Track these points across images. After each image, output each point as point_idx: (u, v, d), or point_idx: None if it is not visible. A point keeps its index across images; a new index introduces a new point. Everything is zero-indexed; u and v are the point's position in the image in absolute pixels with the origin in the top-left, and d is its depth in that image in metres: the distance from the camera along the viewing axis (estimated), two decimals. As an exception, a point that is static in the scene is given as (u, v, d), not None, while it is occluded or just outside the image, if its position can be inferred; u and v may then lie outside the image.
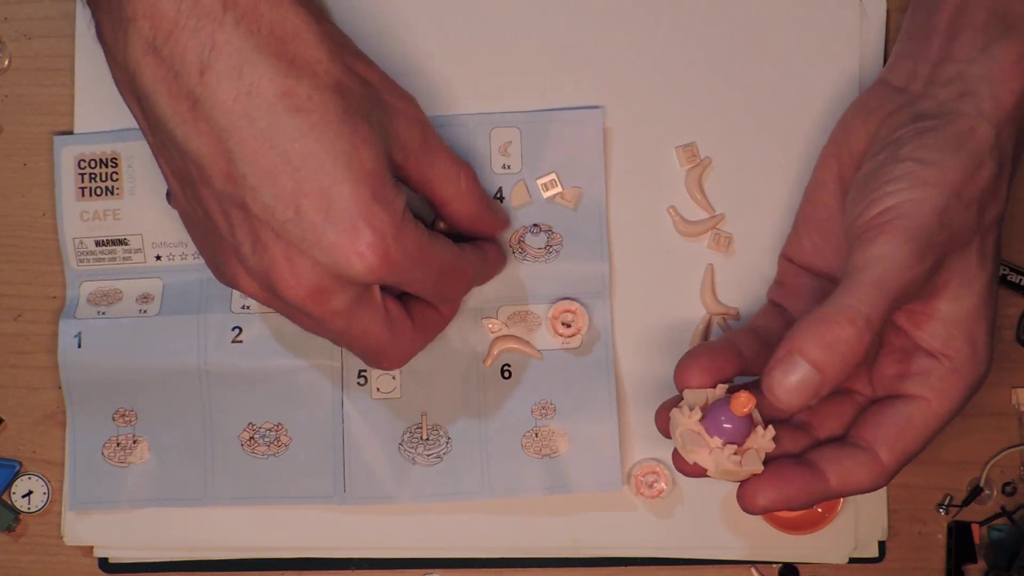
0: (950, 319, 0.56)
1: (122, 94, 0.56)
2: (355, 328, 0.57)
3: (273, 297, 0.56)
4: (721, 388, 0.57)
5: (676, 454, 0.58)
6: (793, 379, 0.53)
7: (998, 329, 0.69)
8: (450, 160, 0.59)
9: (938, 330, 0.56)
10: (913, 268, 0.53)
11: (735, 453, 0.55)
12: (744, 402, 0.53)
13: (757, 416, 0.57)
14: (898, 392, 0.57)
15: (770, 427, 0.56)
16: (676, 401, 0.58)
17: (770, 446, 0.56)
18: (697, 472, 0.57)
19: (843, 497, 0.58)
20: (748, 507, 0.56)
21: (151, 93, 0.53)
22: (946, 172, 0.54)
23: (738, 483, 0.56)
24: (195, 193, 0.55)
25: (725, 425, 0.55)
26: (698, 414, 0.56)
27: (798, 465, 0.56)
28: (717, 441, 0.55)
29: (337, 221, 0.52)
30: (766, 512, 0.57)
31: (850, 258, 0.54)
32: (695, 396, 0.57)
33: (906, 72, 0.60)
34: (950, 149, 0.55)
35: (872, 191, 0.55)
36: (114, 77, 0.56)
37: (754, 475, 0.56)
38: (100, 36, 0.56)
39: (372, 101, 0.55)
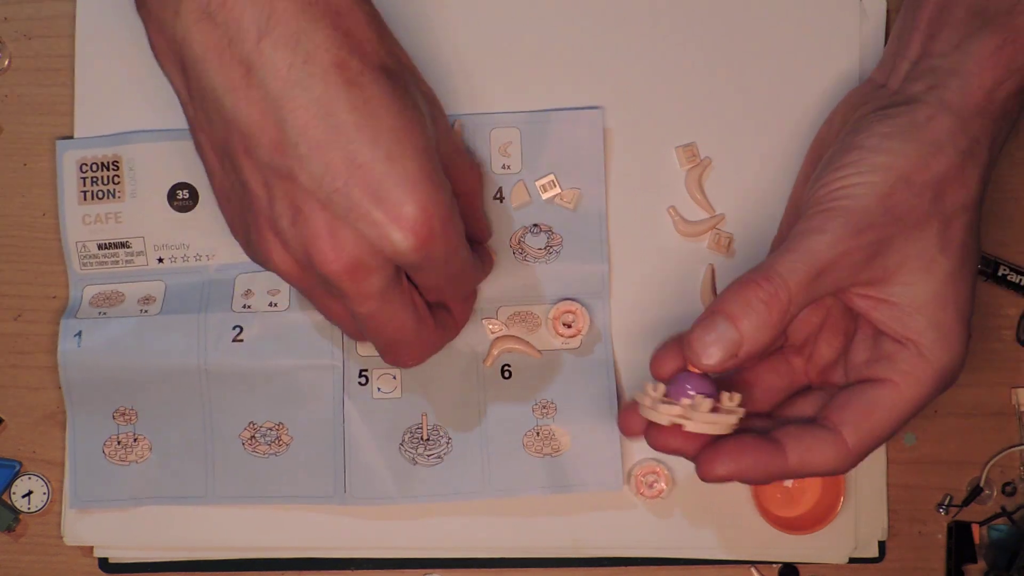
0: (910, 305, 0.56)
1: (163, 65, 0.56)
2: (385, 313, 0.56)
3: (306, 273, 0.55)
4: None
5: (650, 432, 0.58)
6: (711, 336, 0.55)
7: (997, 329, 0.69)
8: (466, 156, 0.61)
9: (898, 315, 0.56)
10: (844, 244, 0.54)
11: (712, 409, 0.56)
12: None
13: (733, 407, 0.57)
14: (867, 376, 0.58)
15: (736, 394, 0.57)
16: (634, 406, 0.58)
17: (738, 411, 0.56)
18: (672, 445, 0.57)
19: (804, 476, 0.57)
20: (705, 475, 0.56)
21: (200, 60, 0.52)
22: (895, 158, 0.56)
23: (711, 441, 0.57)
24: (235, 165, 0.54)
25: (691, 392, 0.56)
26: (662, 388, 0.57)
27: (760, 439, 0.57)
28: (686, 401, 0.56)
29: (387, 196, 0.52)
30: (723, 481, 0.57)
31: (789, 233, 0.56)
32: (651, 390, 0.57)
33: (888, 69, 0.61)
34: (901, 136, 0.56)
35: (823, 175, 0.57)
36: (155, 48, 0.55)
37: (714, 444, 0.56)
38: (142, 6, 0.55)
39: (414, 86, 0.55)
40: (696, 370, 0.56)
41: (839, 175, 0.56)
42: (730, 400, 0.57)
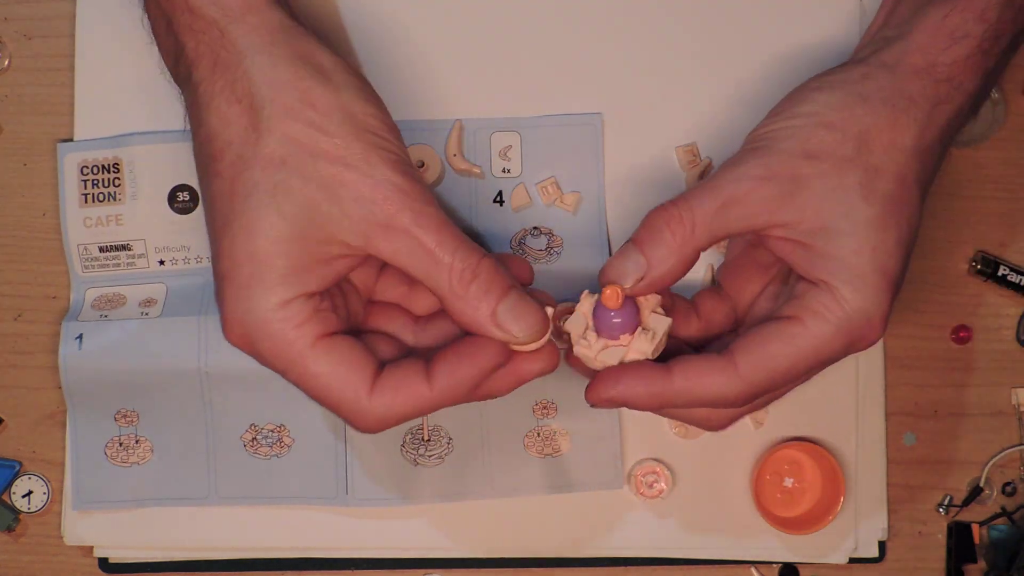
0: (824, 247, 0.55)
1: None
2: (304, 375, 0.55)
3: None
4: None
5: (568, 354, 0.58)
6: (619, 262, 0.56)
7: (998, 329, 0.69)
8: (427, 249, 0.54)
9: (813, 258, 0.56)
10: (753, 177, 0.55)
11: (599, 344, 0.56)
12: (610, 294, 0.55)
13: (658, 327, 0.57)
14: (777, 315, 0.57)
15: (657, 337, 0.56)
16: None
17: (646, 350, 0.56)
18: (578, 364, 0.58)
19: (697, 404, 0.56)
20: (591, 398, 0.57)
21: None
22: (819, 106, 0.56)
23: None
24: None
25: (612, 319, 0.56)
26: (583, 321, 0.57)
27: (648, 364, 0.56)
28: (592, 333, 0.56)
29: (216, 290, 0.55)
30: (612, 406, 0.57)
31: None
32: (586, 303, 0.57)
33: (859, 47, 0.62)
34: (829, 89, 0.57)
35: (758, 126, 0.58)
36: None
37: (604, 371, 0.56)
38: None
39: (301, 177, 0.54)
40: (610, 302, 0.55)
41: (766, 121, 0.58)
42: (640, 338, 0.56)
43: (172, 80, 0.60)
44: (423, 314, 0.60)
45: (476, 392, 0.56)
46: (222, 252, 0.54)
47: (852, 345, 0.55)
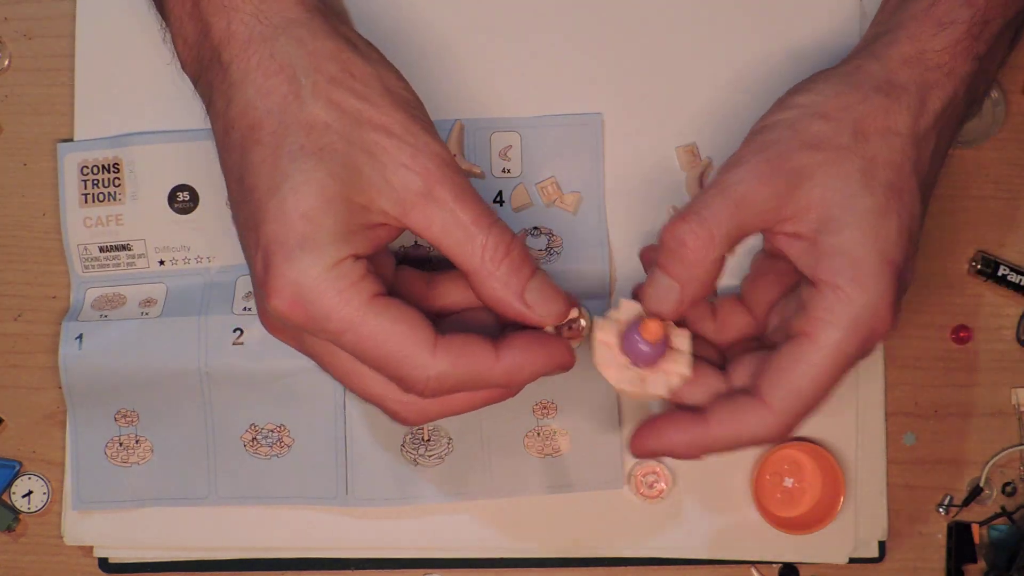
0: (827, 242, 0.55)
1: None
2: (362, 335, 0.54)
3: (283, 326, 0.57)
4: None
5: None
6: (652, 290, 0.57)
7: (998, 329, 0.69)
8: (462, 223, 0.55)
9: (816, 253, 0.55)
10: (758, 173, 0.55)
11: (638, 377, 0.57)
12: (653, 329, 0.55)
13: (683, 344, 0.57)
14: (789, 333, 0.56)
15: (689, 354, 0.57)
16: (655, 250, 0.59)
17: (684, 371, 0.57)
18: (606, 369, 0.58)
19: (738, 446, 0.56)
20: (636, 451, 0.58)
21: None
22: (813, 96, 0.57)
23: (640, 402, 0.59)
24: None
25: (641, 347, 0.56)
26: (616, 329, 0.57)
27: (685, 413, 0.57)
28: (624, 359, 0.57)
29: (258, 263, 0.54)
30: (655, 456, 0.58)
31: None
32: (626, 310, 0.58)
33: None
34: (824, 80, 0.58)
35: (757, 122, 0.58)
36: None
37: (642, 424, 0.57)
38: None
39: (346, 141, 0.54)
40: (651, 336, 0.56)
41: (764, 117, 0.58)
42: (675, 362, 0.57)
43: (183, 68, 0.59)
44: (441, 314, 0.60)
45: (515, 386, 0.57)
46: (269, 217, 0.53)
47: (867, 341, 0.55)
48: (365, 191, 0.54)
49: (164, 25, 0.60)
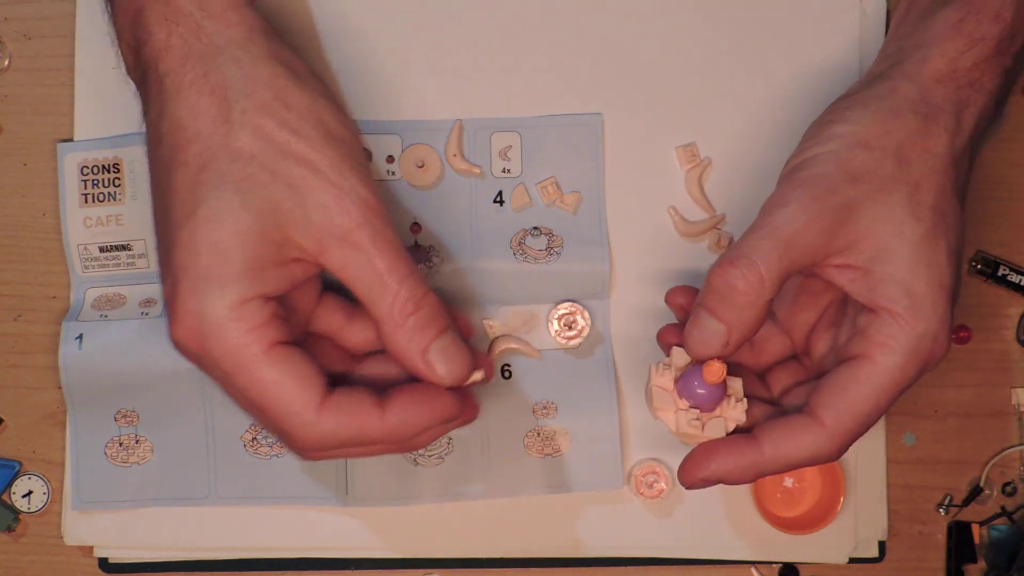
0: (881, 271, 0.55)
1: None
2: (247, 383, 0.54)
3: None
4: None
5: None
6: (697, 333, 0.56)
7: (998, 329, 0.69)
8: (378, 271, 0.54)
9: (871, 283, 0.55)
10: (806, 213, 0.54)
11: (696, 419, 0.57)
12: (716, 370, 0.55)
13: (737, 390, 0.58)
14: (846, 356, 0.57)
15: (744, 400, 0.57)
16: (674, 329, 0.60)
17: (741, 418, 0.57)
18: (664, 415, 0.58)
19: (792, 467, 0.56)
20: (686, 482, 0.57)
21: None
22: (852, 126, 0.56)
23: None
24: None
25: (699, 391, 0.56)
26: (672, 373, 0.57)
27: (735, 437, 0.57)
28: (683, 403, 0.57)
29: (167, 287, 0.54)
30: (707, 485, 0.57)
31: None
32: (679, 357, 0.58)
33: (877, 59, 0.62)
34: (860, 107, 0.57)
35: (792, 154, 0.58)
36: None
37: (691, 452, 0.57)
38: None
39: (269, 172, 0.53)
40: (713, 377, 0.56)
41: (802, 148, 0.57)
42: (733, 407, 0.57)
43: (127, 72, 0.59)
44: (356, 351, 0.60)
45: (416, 439, 0.56)
46: (180, 242, 0.53)
47: (925, 366, 0.56)
48: (282, 226, 0.53)
49: (111, 27, 0.60)
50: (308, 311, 0.59)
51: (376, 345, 0.59)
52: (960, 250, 0.57)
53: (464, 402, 0.57)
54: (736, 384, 0.58)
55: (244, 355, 0.53)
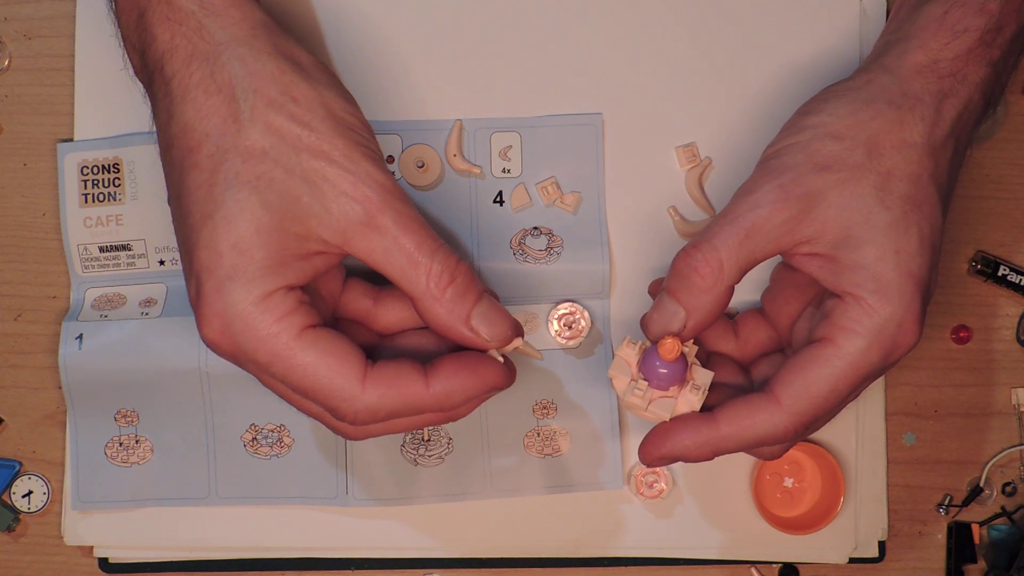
0: (848, 258, 0.55)
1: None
2: (293, 365, 0.54)
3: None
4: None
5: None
6: (657, 314, 0.57)
7: (998, 329, 0.69)
8: (406, 250, 0.55)
9: (838, 270, 0.55)
10: (769, 201, 0.55)
11: (643, 391, 0.57)
12: (669, 346, 0.56)
13: (705, 383, 0.58)
14: (811, 339, 0.57)
15: (704, 391, 0.57)
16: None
17: (695, 405, 0.57)
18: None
19: (749, 445, 0.56)
20: (645, 460, 0.57)
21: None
22: (824, 116, 0.56)
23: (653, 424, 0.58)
24: None
25: (660, 370, 0.57)
26: (636, 350, 0.58)
27: (693, 415, 0.57)
28: (639, 376, 0.58)
29: (191, 288, 0.54)
30: (666, 463, 0.57)
31: None
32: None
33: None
34: (835, 99, 0.57)
35: (769, 145, 0.58)
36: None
37: (651, 432, 0.57)
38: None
39: (283, 168, 0.54)
40: (668, 355, 0.56)
41: (777, 138, 0.58)
42: (689, 392, 0.57)
43: (135, 74, 0.59)
44: (387, 332, 0.60)
45: (461, 408, 0.56)
46: (200, 244, 0.53)
47: (890, 354, 0.55)
48: (302, 220, 0.53)
49: (117, 29, 0.60)
50: (334, 298, 0.59)
51: (406, 324, 0.60)
52: (937, 241, 0.56)
53: (509, 368, 0.58)
54: (705, 377, 0.58)
55: (277, 344, 0.53)
